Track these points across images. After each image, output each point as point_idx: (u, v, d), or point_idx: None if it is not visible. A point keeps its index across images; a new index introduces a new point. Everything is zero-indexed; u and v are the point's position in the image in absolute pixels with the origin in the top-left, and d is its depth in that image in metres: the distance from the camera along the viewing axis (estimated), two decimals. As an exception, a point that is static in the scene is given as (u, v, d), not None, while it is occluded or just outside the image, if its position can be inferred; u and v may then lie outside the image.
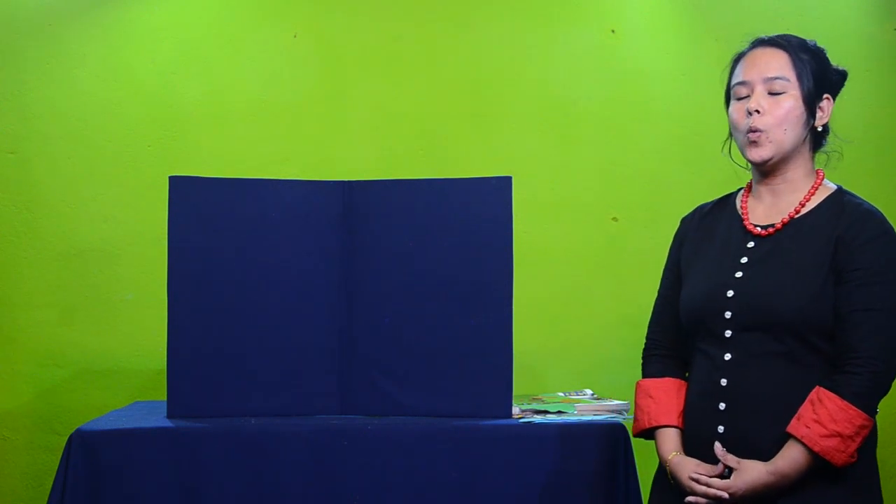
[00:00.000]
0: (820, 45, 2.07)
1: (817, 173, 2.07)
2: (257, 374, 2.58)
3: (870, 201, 2.03)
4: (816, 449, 1.85)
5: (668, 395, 2.09)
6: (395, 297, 2.60)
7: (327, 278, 2.61)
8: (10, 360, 3.34)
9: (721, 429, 1.96)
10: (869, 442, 1.93)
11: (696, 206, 2.21)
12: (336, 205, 2.62)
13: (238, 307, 2.58)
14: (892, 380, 1.92)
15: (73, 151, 3.39)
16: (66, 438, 2.44)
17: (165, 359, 2.57)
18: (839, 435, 1.85)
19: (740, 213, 2.08)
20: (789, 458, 1.88)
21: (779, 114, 1.98)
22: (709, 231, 2.11)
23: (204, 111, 3.44)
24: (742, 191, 2.13)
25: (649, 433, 2.11)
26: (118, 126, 3.41)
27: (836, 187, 2.05)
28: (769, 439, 1.91)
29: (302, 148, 3.45)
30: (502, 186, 2.60)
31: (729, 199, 2.15)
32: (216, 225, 2.59)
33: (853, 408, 1.86)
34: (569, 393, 3.00)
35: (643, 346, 2.21)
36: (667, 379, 2.11)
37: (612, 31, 3.56)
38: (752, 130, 1.98)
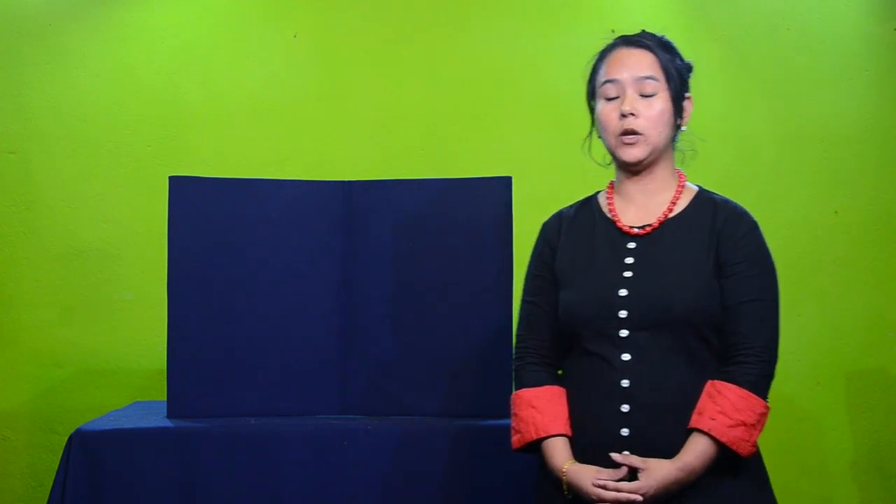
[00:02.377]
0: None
1: (679, 174, 2.08)
2: (257, 374, 2.58)
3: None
4: (724, 439, 1.86)
5: (551, 404, 2.00)
6: (395, 297, 2.60)
7: (327, 278, 2.61)
8: (10, 360, 3.35)
9: (625, 431, 1.91)
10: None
11: (554, 213, 2.19)
12: (336, 205, 2.62)
13: (238, 307, 2.58)
14: (775, 367, 1.96)
15: (73, 151, 3.40)
16: (66, 438, 2.44)
17: (165, 359, 2.57)
18: (744, 424, 1.87)
19: (609, 215, 2.06)
20: (696, 451, 1.87)
21: (652, 115, 1.99)
22: (580, 236, 2.08)
23: (204, 111, 3.44)
24: (604, 193, 2.12)
25: (533, 446, 2.01)
26: (118, 126, 3.41)
27: (697, 187, 2.08)
28: (676, 438, 1.90)
29: (302, 148, 3.45)
30: (502, 186, 2.60)
31: (591, 203, 2.13)
32: (216, 225, 2.59)
33: (753, 396, 1.89)
34: (569, 393, 2.99)
35: (514, 356, 2.10)
36: (547, 387, 2.02)
37: (612, 31, 3.54)
38: (627, 133, 1.99)
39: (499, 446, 2.47)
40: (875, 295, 3.51)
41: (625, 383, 1.92)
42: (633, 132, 1.98)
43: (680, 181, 2.06)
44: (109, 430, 2.45)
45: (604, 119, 2.03)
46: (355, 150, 3.45)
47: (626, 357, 1.93)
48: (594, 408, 1.96)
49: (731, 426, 1.86)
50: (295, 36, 3.49)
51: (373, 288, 2.61)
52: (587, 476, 1.90)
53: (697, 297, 1.92)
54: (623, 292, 1.95)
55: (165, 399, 2.58)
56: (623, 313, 1.94)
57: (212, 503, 2.42)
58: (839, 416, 3.49)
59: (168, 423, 2.49)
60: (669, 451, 1.89)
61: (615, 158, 2.06)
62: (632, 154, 2.00)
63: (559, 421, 1.99)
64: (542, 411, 2.00)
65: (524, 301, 2.13)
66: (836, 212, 3.50)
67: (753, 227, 2.00)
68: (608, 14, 3.56)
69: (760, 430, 1.90)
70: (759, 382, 1.91)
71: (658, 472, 1.86)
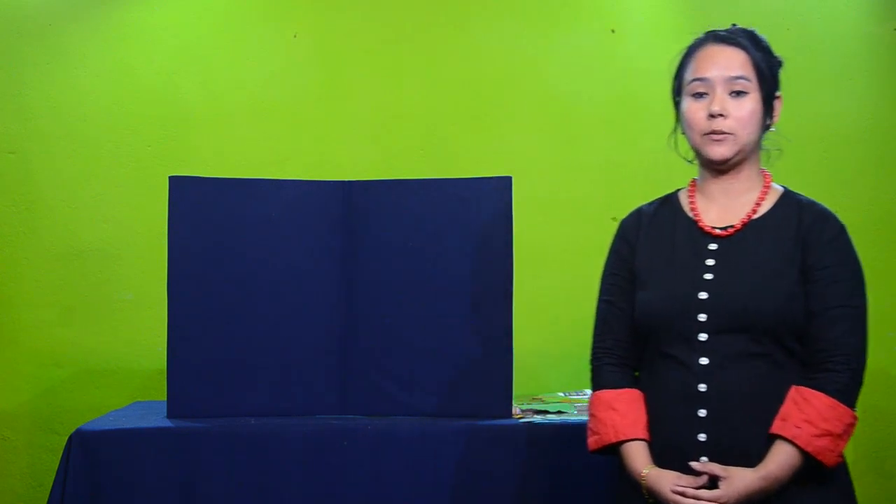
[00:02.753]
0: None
1: (764, 174, 2.02)
2: (257, 374, 2.58)
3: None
4: (809, 449, 1.81)
5: (631, 407, 1.96)
6: (396, 297, 2.60)
7: (327, 278, 2.61)
8: (10, 360, 3.34)
9: (703, 437, 1.87)
10: None
11: (633, 210, 2.14)
12: (336, 205, 2.62)
13: (238, 307, 2.58)
14: (863, 376, 1.91)
15: (73, 151, 3.40)
16: (66, 438, 2.44)
17: (165, 359, 2.57)
18: (830, 434, 1.82)
19: (690, 214, 2.01)
20: (780, 460, 1.82)
21: (742, 116, 1.93)
22: (660, 233, 2.03)
23: (204, 111, 3.44)
24: (685, 191, 2.07)
25: (611, 449, 1.98)
26: (118, 126, 3.41)
27: (783, 188, 2.02)
28: (754, 444, 1.85)
29: (302, 148, 3.45)
30: (502, 186, 2.60)
31: (671, 201, 2.08)
32: (216, 225, 2.59)
33: (841, 405, 1.84)
34: (569, 393, 3.00)
35: (592, 356, 2.07)
36: (627, 390, 1.99)
37: (612, 31, 3.56)
38: (715, 132, 1.93)
39: (498, 446, 2.47)
40: (875, 295, 3.48)
41: (702, 388, 1.88)
42: (720, 132, 1.93)
43: (765, 182, 2.01)
44: (109, 430, 2.45)
45: (690, 117, 1.97)
46: (355, 150, 3.45)
47: (703, 361, 1.89)
48: (671, 411, 1.92)
49: (817, 435, 1.81)
50: (295, 36, 3.49)
51: (373, 288, 2.61)
52: (667, 482, 1.86)
53: (780, 303, 1.87)
54: (703, 295, 1.90)
55: (165, 399, 2.58)
56: (702, 317, 1.89)
57: (212, 503, 2.42)
58: (839, 416, 3.48)
59: (168, 423, 2.50)
60: (747, 458, 1.84)
61: (700, 156, 2.00)
62: (718, 152, 1.94)
63: (639, 425, 1.95)
64: (622, 414, 1.97)
65: (601, 300, 2.08)
66: (836, 212, 3.49)
67: (841, 230, 1.95)
68: (608, 14, 3.56)
69: (847, 440, 1.85)
70: (848, 391, 1.85)
71: (740, 481, 1.81)
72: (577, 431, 2.48)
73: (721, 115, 1.93)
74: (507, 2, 3.55)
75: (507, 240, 2.59)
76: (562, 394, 2.99)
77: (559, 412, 2.64)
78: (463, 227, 2.59)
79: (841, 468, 1.90)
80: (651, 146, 3.53)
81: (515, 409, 2.61)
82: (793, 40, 3.54)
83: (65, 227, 3.38)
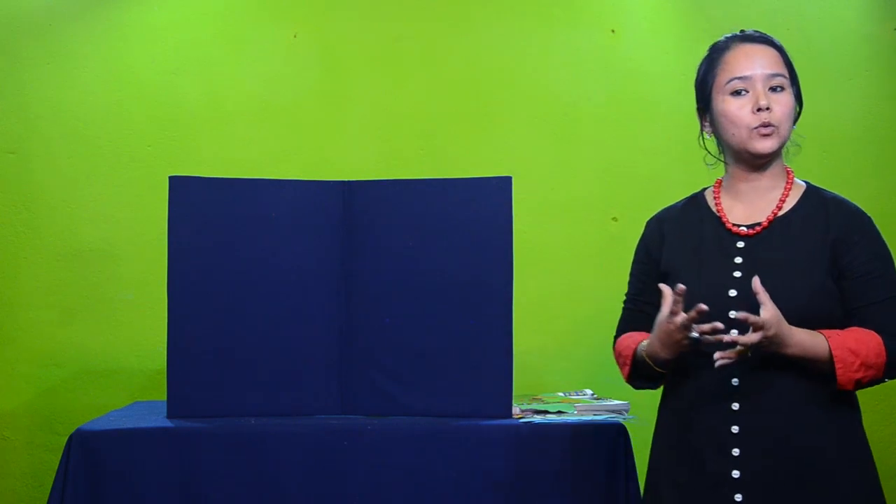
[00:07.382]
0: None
1: (787, 170, 2.07)
2: (257, 374, 2.58)
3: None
4: (836, 353, 1.86)
5: (645, 336, 2.05)
6: (395, 297, 2.60)
7: (327, 278, 2.61)
8: (10, 360, 3.34)
9: (735, 429, 1.92)
10: (857, 420, 2.03)
11: (658, 210, 2.19)
12: (336, 205, 2.62)
13: (238, 307, 2.58)
14: None
15: (73, 151, 3.40)
16: (66, 438, 2.44)
17: (165, 359, 2.57)
18: (859, 357, 1.87)
19: (716, 213, 2.06)
20: (812, 336, 1.88)
21: (784, 110, 1.99)
22: (688, 232, 2.08)
23: (204, 111, 3.44)
24: (710, 190, 2.12)
25: (644, 372, 2.05)
26: (118, 126, 3.41)
27: (805, 183, 2.06)
28: (788, 434, 1.90)
29: (302, 148, 3.45)
30: (502, 186, 2.60)
31: (698, 200, 2.13)
32: (216, 225, 2.59)
33: (885, 350, 1.89)
34: (569, 393, 3.00)
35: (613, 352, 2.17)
36: (643, 332, 2.07)
37: (612, 32, 3.56)
38: (765, 125, 1.97)
39: (499, 446, 2.47)
40: (875, 295, 3.50)
41: (735, 381, 1.93)
42: (769, 124, 1.97)
43: (788, 178, 2.05)
44: (109, 430, 2.45)
45: (735, 114, 2.01)
46: (355, 150, 3.45)
47: None
48: (704, 405, 1.97)
49: (849, 349, 1.87)
50: (295, 36, 3.49)
51: (373, 288, 2.60)
52: (666, 310, 1.90)
53: (807, 299, 1.92)
54: (733, 293, 1.94)
55: (165, 399, 2.58)
56: (733, 313, 1.90)
57: (211, 503, 2.42)
58: (839, 416, 3.48)
59: (168, 423, 2.49)
60: (781, 447, 1.90)
61: (740, 152, 2.03)
62: (766, 145, 1.98)
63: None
64: (640, 336, 2.07)
65: (624, 301, 2.20)
66: (836, 212, 3.49)
67: (869, 223, 2.00)
68: (608, 14, 3.56)
69: (868, 379, 1.91)
70: (894, 355, 1.91)
71: (774, 312, 1.83)
72: (577, 431, 2.50)
73: (768, 108, 1.98)
74: (507, 2, 3.55)
75: (507, 240, 2.59)
76: (562, 394, 2.98)
77: (559, 412, 2.64)
78: (463, 227, 2.59)
79: (872, 476, 2.03)
80: (651, 146, 3.55)
81: (515, 409, 2.61)
82: (793, 40, 3.50)
83: (65, 227, 3.38)
